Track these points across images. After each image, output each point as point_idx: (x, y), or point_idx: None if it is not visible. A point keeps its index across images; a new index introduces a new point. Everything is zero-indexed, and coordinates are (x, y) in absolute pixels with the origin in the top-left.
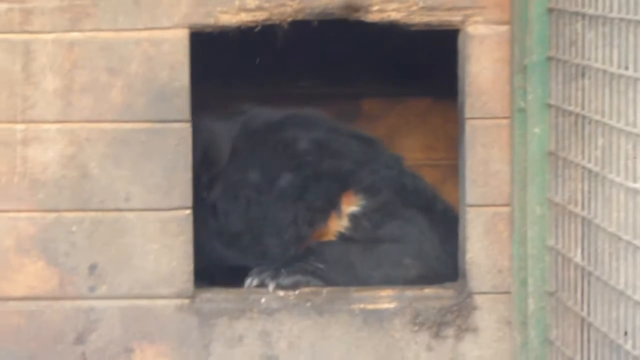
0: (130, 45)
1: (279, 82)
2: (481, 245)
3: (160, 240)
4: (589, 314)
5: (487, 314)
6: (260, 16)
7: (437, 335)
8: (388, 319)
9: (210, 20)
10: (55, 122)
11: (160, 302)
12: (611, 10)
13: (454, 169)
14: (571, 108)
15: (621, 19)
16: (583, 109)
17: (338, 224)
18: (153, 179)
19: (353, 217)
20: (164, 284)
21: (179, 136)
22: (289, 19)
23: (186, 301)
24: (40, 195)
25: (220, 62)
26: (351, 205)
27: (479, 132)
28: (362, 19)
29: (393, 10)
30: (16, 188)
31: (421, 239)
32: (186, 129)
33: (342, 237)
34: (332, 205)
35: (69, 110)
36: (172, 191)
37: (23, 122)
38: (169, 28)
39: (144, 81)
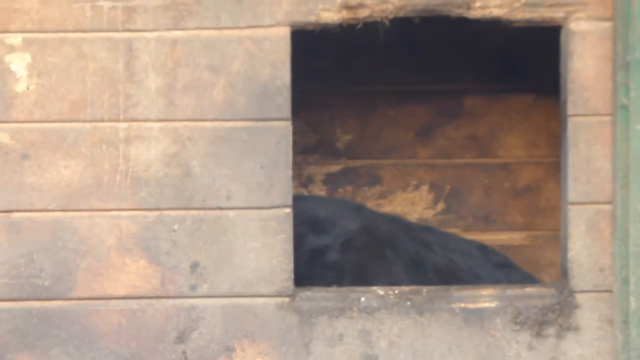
0: (232, 43)
1: (379, 80)
2: (583, 243)
3: (260, 239)
4: None
5: (588, 312)
6: (361, 13)
7: (538, 335)
8: (489, 318)
9: (312, 18)
10: (157, 120)
11: (261, 301)
12: None
13: (556, 166)
14: None
15: None
16: None
17: None
18: (254, 177)
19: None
20: (265, 282)
21: (280, 134)
22: (391, 16)
23: (286, 300)
24: (143, 194)
25: (320, 60)
26: None
27: (581, 129)
28: (464, 15)
29: (495, 6)
30: (118, 187)
31: None
32: (287, 127)
33: None
34: None
35: (172, 109)
36: (272, 189)
37: (125, 120)
38: (270, 26)
39: (245, 79)
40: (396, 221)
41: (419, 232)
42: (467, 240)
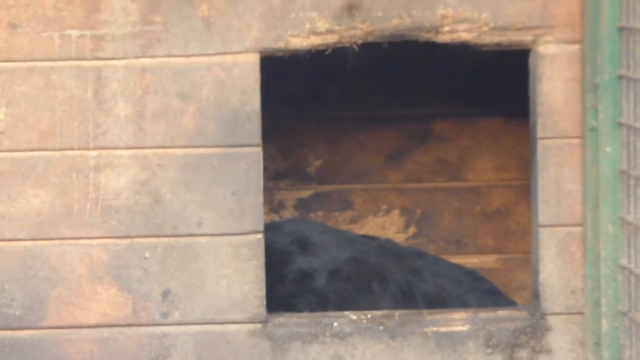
0: (201, 70)
1: (349, 105)
2: (554, 265)
3: (232, 265)
4: None
5: (560, 334)
6: (330, 39)
7: (510, 357)
8: (461, 342)
9: (281, 44)
10: (127, 148)
11: (233, 327)
12: None
13: (526, 189)
14: None
15: None
16: None
17: None
18: (225, 203)
19: None
20: (237, 309)
21: (251, 160)
22: (359, 42)
23: (258, 326)
24: (113, 222)
25: (290, 86)
26: None
27: (550, 151)
28: (433, 40)
29: (464, 30)
30: (89, 215)
31: None
32: (257, 153)
33: None
34: None
35: (141, 136)
36: (243, 215)
37: (95, 148)
38: (239, 53)
39: (215, 106)
40: (387, 250)
41: (409, 259)
42: (456, 266)
